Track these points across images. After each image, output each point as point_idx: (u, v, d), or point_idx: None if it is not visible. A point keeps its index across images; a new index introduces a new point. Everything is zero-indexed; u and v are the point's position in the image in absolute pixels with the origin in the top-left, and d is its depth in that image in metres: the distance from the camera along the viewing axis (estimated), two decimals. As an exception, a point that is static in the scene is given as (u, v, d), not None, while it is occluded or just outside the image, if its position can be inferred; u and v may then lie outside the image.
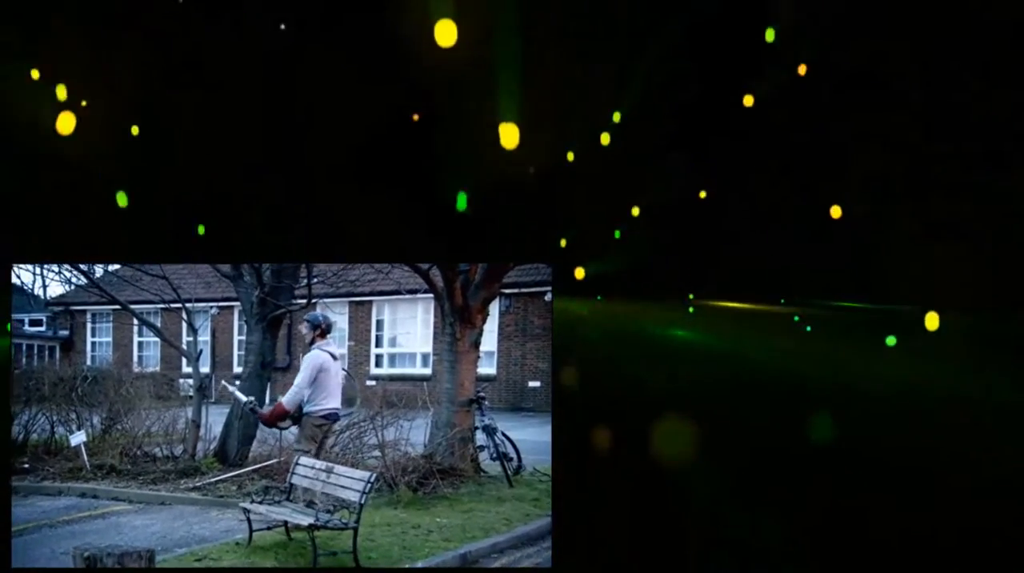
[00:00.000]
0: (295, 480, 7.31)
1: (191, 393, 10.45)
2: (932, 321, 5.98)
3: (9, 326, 6.61)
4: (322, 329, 7.67)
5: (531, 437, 10.36)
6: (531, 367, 14.49)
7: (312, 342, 7.66)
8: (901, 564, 5.66)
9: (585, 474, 6.25)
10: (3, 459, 6.64)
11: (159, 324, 12.58)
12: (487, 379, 13.97)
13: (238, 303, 11.65)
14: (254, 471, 8.95)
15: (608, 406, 6.61)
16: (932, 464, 5.73)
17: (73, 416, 10.37)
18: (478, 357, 9.42)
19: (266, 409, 8.16)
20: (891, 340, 6.04)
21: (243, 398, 7.85)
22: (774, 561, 5.81)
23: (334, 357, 7.72)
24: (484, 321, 9.09)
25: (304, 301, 10.20)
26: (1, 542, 6.08)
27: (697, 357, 7.03)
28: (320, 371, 7.52)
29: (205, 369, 13.23)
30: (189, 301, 11.54)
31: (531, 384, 14.39)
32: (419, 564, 6.55)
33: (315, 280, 10.18)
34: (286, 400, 7.55)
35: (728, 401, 6.77)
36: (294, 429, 8.03)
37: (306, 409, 7.54)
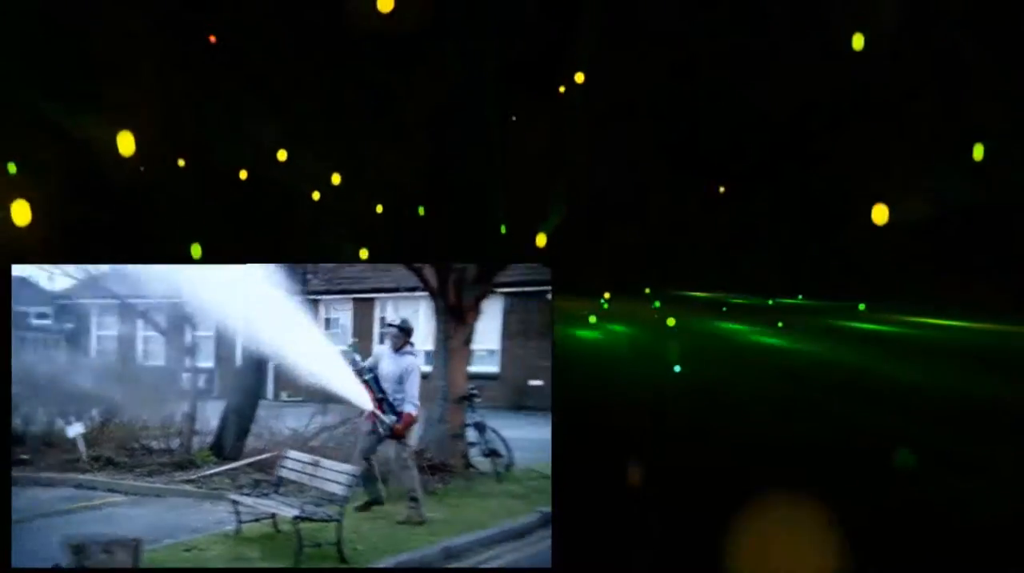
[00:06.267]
0: (283, 473, 7.40)
1: (199, 387, 10.61)
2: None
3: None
4: (409, 332, 7.80)
5: (531, 435, 10.42)
6: (533, 366, 14.55)
7: (400, 348, 7.68)
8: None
9: (585, 474, 6.33)
10: (3, 458, 6.75)
11: (163, 318, 12.68)
12: (490, 377, 14.08)
13: (240, 299, 11.78)
14: (248, 465, 9.06)
15: (608, 406, 6.68)
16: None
17: (72, 408, 10.47)
18: (470, 354, 9.49)
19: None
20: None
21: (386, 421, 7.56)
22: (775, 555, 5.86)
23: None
24: (476, 319, 9.17)
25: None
26: (1, 542, 6.15)
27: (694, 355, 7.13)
28: None
29: (209, 363, 13.44)
30: (192, 296, 11.62)
31: (533, 382, 14.45)
32: (403, 557, 6.61)
33: (311, 277, 10.27)
34: (414, 410, 7.65)
35: (726, 399, 6.85)
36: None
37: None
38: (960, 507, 6.12)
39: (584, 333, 10.27)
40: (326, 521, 6.65)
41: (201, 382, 12.70)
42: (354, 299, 14.67)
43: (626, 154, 10.91)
